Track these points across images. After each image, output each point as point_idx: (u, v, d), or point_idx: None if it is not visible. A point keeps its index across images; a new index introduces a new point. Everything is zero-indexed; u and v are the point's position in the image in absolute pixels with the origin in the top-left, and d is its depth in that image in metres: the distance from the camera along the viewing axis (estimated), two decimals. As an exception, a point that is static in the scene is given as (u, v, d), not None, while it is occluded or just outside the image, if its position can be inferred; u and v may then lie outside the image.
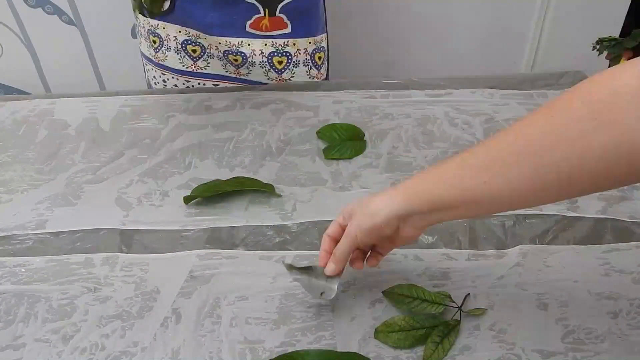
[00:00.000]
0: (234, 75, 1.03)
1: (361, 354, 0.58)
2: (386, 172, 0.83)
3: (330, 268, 0.59)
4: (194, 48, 1.00)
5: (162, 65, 1.05)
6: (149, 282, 0.66)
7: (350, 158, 0.85)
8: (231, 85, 1.04)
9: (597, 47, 0.92)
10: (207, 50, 1.00)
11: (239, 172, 0.83)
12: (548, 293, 0.64)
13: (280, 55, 0.99)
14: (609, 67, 0.90)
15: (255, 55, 0.98)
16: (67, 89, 1.44)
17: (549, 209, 0.75)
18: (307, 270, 0.62)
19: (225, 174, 0.82)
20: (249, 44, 0.97)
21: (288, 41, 0.98)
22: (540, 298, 0.63)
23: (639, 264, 0.67)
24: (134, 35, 1.61)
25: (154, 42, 1.03)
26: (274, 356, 0.58)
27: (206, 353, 0.58)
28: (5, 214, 0.77)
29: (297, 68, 1.02)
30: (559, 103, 0.46)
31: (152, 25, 1.01)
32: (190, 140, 0.90)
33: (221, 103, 0.98)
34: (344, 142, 0.88)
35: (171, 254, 0.70)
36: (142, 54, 1.09)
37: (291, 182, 0.81)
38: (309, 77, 1.05)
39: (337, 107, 0.97)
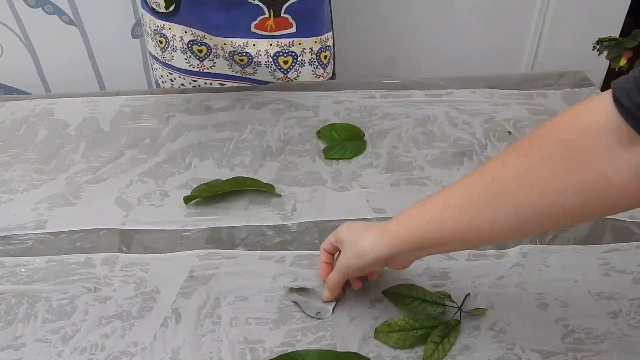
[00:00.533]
0: (240, 75, 1.03)
1: (361, 354, 0.58)
2: (386, 172, 0.83)
3: (326, 295, 0.63)
4: (200, 48, 1.00)
5: (169, 65, 1.05)
6: (149, 282, 0.66)
7: (350, 158, 0.85)
8: (237, 84, 1.04)
9: (597, 47, 0.92)
10: (213, 50, 1.00)
11: (239, 172, 0.83)
12: (548, 293, 0.64)
13: (285, 55, 0.99)
14: (609, 67, 0.90)
15: (260, 55, 0.98)
16: (67, 89, 1.44)
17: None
18: (304, 291, 0.64)
19: (225, 174, 0.82)
20: (254, 45, 0.97)
21: (293, 41, 0.98)
22: (540, 298, 0.63)
23: (639, 264, 0.67)
24: (134, 35, 1.61)
25: (160, 42, 1.03)
26: (274, 356, 0.58)
27: (206, 353, 0.58)
28: (5, 214, 0.77)
29: (303, 67, 1.02)
30: (531, 141, 0.47)
31: (157, 26, 1.01)
32: (190, 140, 0.90)
33: (221, 103, 0.98)
34: (344, 142, 0.88)
35: (171, 254, 0.70)
36: (149, 53, 1.09)
37: (291, 182, 0.81)
38: (315, 77, 1.04)
39: (337, 107, 0.97)
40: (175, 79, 1.06)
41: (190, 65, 1.03)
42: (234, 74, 1.03)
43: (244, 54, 0.98)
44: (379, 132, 0.91)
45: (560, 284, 0.65)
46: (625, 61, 0.88)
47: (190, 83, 1.06)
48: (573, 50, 1.62)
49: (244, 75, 1.03)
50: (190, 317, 0.62)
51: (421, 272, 0.67)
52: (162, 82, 1.10)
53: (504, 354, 0.58)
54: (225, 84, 1.05)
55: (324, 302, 0.63)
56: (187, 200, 0.77)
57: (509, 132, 0.91)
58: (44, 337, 0.60)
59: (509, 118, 0.94)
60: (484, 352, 0.58)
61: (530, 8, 1.63)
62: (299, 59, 1.00)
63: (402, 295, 0.62)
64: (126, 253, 0.70)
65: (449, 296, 0.63)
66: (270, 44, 0.98)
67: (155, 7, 0.99)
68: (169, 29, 1.00)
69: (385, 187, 0.80)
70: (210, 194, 0.77)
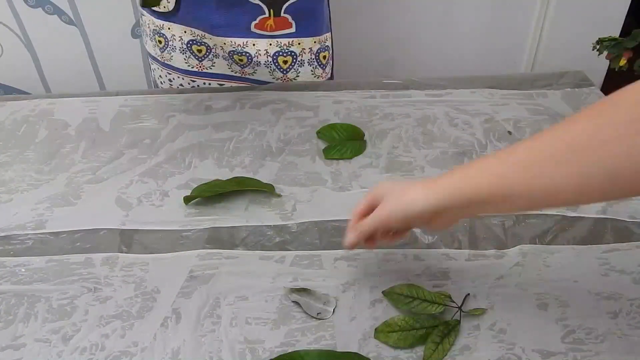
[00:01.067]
0: (240, 75, 1.03)
1: (361, 354, 0.58)
2: (386, 172, 0.83)
3: (350, 239, 0.59)
4: (199, 48, 1.00)
5: (168, 65, 1.05)
6: (149, 282, 0.66)
7: (350, 158, 0.85)
8: (236, 85, 1.04)
9: (597, 47, 0.92)
10: (213, 50, 1.00)
11: (239, 172, 0.83)
12: (548, 293, 0.64)
13: (285, 55, 0.99)
14: (609, 67, 0.90)
15: (260, 55, 0.98)
16: (67, 89, 1.43)
17: (549, 208, 0.75)
18: (305, 291, 0.64)
19: (225, 174, 0.82)
20: (254, 44, 0.97)
21: (293, 41, 0.98)
22: (540, 298, 0.63)
23: (639, 264, 0.67)
24: (134, 35, 1.61)
25: (160, 42, 1.03)
26: (274, 356, 0.58)
27: (206, 353, 0.58)
28: (5, 214, 0.77)
29: (302, 67, 1.02)
30: (604, 106, 0.45)
31: (157, 26, 1.01)
32: (190, 140, 0.90)
33: (221, 103, 0.98)
34: (344, 142, 0.88)
35: (171, 254, 0.70)
36: (148, 54, 1.09)
37: (291, 182, 0.81)
38: (314, 77, 1.04)
39: (337, 107, 0.97)
40: (174, 79, 1.06)
41: (189, 66, 1.03)
42: (233, 74, 1.03)
43: (244, 53, 0.98)
44: (379, 132, 0.91)
45: (560, 284, 0.65)
46: (625, 61, 0.88)
47: (189, 83, 1.06)
48: (573, 50, 1.62)
49: (243, 76, 1.03)
50: (190, 317, 0.62)
51: (421, 272, 0.67)
52: (161, 82, 1.10)
53: (504, 354, 0.58)
54: (224, 84, 1.05)
55: (324, 301, 0.63)
56: (187, 200, 0.77)
57: (509, 132, 0.91)
58: (44, 337, 0.60)
59: (509, 118, 0.94)
60: (484, 352, 0.58)
61: (530, 8, 1.63)
62: (299, 58, 1.00)
63: (402, 295, 0.62)
64: (126, 253, 0.70)
65: (449, 296, 0.63)
66: (270, 44, 0.98)
67: (155, 7, 0.99)
68: (169, 28, 1.00)
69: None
70: (210, 194, 0.77)
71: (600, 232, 0.72)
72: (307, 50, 1.00)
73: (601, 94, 1.01)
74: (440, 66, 1.69)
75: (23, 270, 0.68)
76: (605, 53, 0.92)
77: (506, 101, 0.98)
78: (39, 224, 0.75)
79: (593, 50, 0.93)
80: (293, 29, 0.97)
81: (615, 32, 1.63)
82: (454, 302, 0.62)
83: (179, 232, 0.73)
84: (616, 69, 0.90)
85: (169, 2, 0.96)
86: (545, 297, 0.63)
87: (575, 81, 1.04)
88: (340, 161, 0.85)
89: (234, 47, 0.98)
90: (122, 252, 0.70)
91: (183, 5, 0.95)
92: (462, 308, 0.61)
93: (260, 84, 1.03)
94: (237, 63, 1.01)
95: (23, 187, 0.81)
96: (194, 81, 1.06)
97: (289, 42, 0.98)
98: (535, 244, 0.70)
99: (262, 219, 0.75)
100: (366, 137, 0.89)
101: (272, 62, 0.99)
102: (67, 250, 0.71)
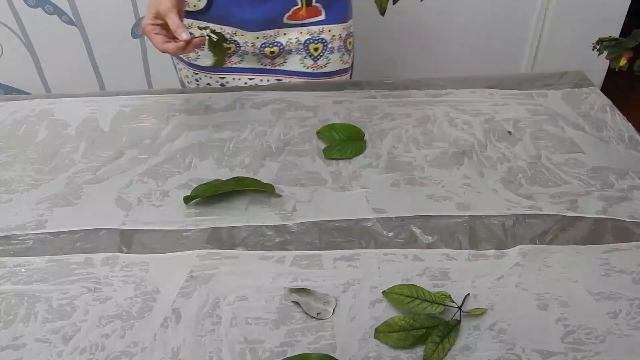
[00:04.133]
0: (269, 67, 1.04)
1: (361, 354, 0.58)
2: (386, 172, 0.83)
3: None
4: (228, 46, 1.00)
5: (194, 64, 1.05)
6: (149, 282, 0.66)
7: (350, 158, 0.85)
8: (265, 77, 1.04)
9: (597, 47, 0.91)
10: (242, 47, 1.01)
11: (239, 172, 0.83)
12: (548, 293, 0.64)
13: (316, 42, 1.00)
14: (609, 67, 0.90)
15: (291, 43, 1.00)
16: (67, 89, 1.43)
17: (549, 208, 0.75)
18: (305, 291, 0.64)
19: (225, 174, 0.82)
20: (285, 34, 0.99)
21: (323, 28, 0.99)
22: (540, 298, 0.63)
23: (639, 264, 0.67)
24: (134, 35, 1.61)
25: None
26: (274, 356, 0.58)
27: (206, 353, 0.58)
28: (5, 214, 0.77)
29: (332, 54, 1.03)
30: None
31: (186, 25, 1.01)
32: (190, 140, 0.90)
33: (221, 103, 0.98)
34: (344, 142, 0.88)
35: (171, 254, 0.70)
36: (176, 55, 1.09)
37: (291, 182, 0.81)
38: (342, 63, 1.06)
39: (337, 107, 0.97)
40: (200, 78, 1.07)
41: None
42: (262, 66, 1.04)
43: (275, 44, 0.99)
44: (379, 132, 0.91)
45: (560, 284, 0.65)
46: (625, 61, 0.88)
47: (217, 81, 1.06)
48: (573, 50, 1.63)
49: (273, 68, 1.04)
50: (190, 317, 0.62)
51: (421, 272, 0.67)
52: (188, 82, 1.10)
53: (504, 354, 0.58)
54: (253, 78, 1.05)
55: (324, 302, 0.63)
56: (187, 200, 0.77)
57: (509, 132, 0.91)
58: (44, 337, 0.60)
59: (509, 118, 0.94)
60: (484, 352, 0.58)
61: (530, 8, 1.63)
62: (329, 45, 1.01)
63: (402, 295, 0.62)
64: (126, 253, 0.70)
65: (449, 296, 0.63)
66: (301, 32, 0.99)
67: (185, 6, 0.98)
68: (198, 27, 1.00)
69: (385, 187, 0.80)
70: (210, 194, 0.77)
71: (600, 232, 0.72)
72: (337, 36, 1.01)
73: (601, 94, 1.01)
74: (440, 66, 1.70)
75: (23, 270, 0.68)
76: (605, 53, 0.92)
77: (506, 101, 0.98)
78: (39, 224, 0.75)
79: (593, 50, 0.93)
80: (323, 17, 0.98)
81: (615, 32, 1.63)
82: (453, 302, 0.62)
83: (179, 232, 0.73)
84: (616, 69, 0.90)
85: (199, 1, 0.96)
86: (545, 297, 0.63)
87: (575, 81, 1.04)
88: (340, 161, 0.85)
89: (265, 39, 0.99)
90: (122, 252, 0.70)
91: (215, 2, 0.95)
92: (462, 308, 0.61)
93: (290, 74, 1.03)
94: (267, 56, 1.01)
95: (23, 187, 0.81)
96: (222, 78, 1.06)
97: (319, 30, 0.99)
98: (535, 244, 0.70)
99: (262, 219, 0.75)
100: (366, 137, 0.89)
101: (303, 50, 1.00)
102: (67, 250, 0.71)
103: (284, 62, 1.02)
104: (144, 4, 1.60)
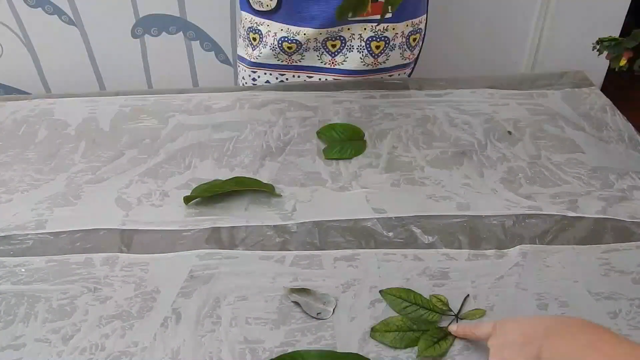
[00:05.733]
0: (329, 66, 1.04)
1: (361, 354, 0.58)
2: (386, 172, 0.83)
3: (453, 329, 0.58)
4: (289, 45, 1.01)
5: (255, 63, 1.05)
6: (149, 282, 0.66)
7: (350, 158, 0.85)
8: (322, 75, 1.05)
9: (597, 47, 0.91)
10: (304, 45, 1.01)
11: (239, 172, 0.83)
12: (548, 293, 0.64)
13: (378, 40, 1.00)
14: (609, 67, 0.90)
15: (354, 39, 1.00)
16: (67, 89, 1.43)
17: (549, 208, 0.75)
18: (305, 291, 0.64)
19: (225, 174, 0.82)
20: (349, 29, 0.99)
21: (388, 26, 0.99)
22: (540, 298, 0.63)
23: (639, 264, 0.67)
24: (134, 35, 1.61)
25: (254, 39, 1.04)
26: (274, 356, 0.58)
27: (206, 353, 0.58)
28: (5, 214, 0.77)
29: (393, 51, 1.03)
30: None
31: (254, 22, 1.02)
32: (190, 140, 0.90)
33: (221, 103, 0.98)
34: (344, 142, 0.88)
35: (171, 254, 0.70)
36: (237, 57, 1.11)
37: (291, 182, 0.81)
38: (402, 59, 1.05)
39: (337, 107, 0.97)
40: (259, 76, 1.07)
41: (278, 60, 1.04)
42: (322, 65, 1.04)
43: (338, 38, 0.99)
44: (379, 132, 0.91)
45: (560, 284, 0.65)
46: (625, 61, 0.88)
47: (277, 78, 1.07)
48: (573, 50, 1.62)
49: (332, 66, 1.04)
50: (190, 317, 0.62)
51: (421, 272, 0.67)
52: (244, 83, 1.11)
53: (504, 354, 0.57)
54: (312, 77, 1.05)
55: (324, 302, 0.63)
56: (187, 200, 0.77)
57: (509, 132, 0.91)
58: (44, 337, 0.60)
59: (509, 118, 0.94)
60: (483, 352, 0.58)
61: (530, 8, 1.63)
62: (391, 43, 1.01)
63: (399, 298, 0.62)
64: (126, 253, 0.70)
65: (446, 302, 0.62)
66: (364, 28, 0.99)
67: (258, 7, 1.00)
68: (267, 25, 1.01)
69: (385, 187, 0.80)
70: (210, 194, 0.77)
71: (600, 232, 0.72)
72: (400, 34, 1.01)
73: (601, 94, 1.01)
74: (440, 66, 1.69)
75: (23, 270, 0.68)
76: (605, 53, 0.92)
77: (506, 101, 0.98)
78: (39, 224, 0.75)
79: (593, 50, 0.93)
80: (390, 14, 0.98)
81: (615, 32, 1.63)
82: (450, 309, 0.62)
83: (179, 232, 0.73)
84: (616, 69, 0.90)
85: (271, 1, 0.97)
86: (545, 297, 0.63)
87: (575, 81, 1.04)
88: (340, 161, 0.85)
89: (328, 34, 0.99)
90: (122, 252, 0.70)
91: (285, 1, 0.96)
92: (460, 312, 0.61)
93: (349, 73, 1.03)
94: (329, 51, 1.02)
95: (23, 187, 0.81)
96: (282, 75, 1.06)
97: (383, 28, 0.99)
98: (535, 244, 0.70)
99: (262, 219, 0.75)
100: (366, 137, 0.89)
101: (364, 47, 1.00)
102: (67, 250, 0.71)
103: (344, 61, 1.03)
104: (144, 4, 1.61)
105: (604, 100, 0.99)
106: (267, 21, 1.00)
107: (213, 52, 1.66)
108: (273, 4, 0.97)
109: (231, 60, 1.68)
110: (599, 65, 1.53)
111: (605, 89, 1.27)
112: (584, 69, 1.07)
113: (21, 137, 0.92)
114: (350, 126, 0.91)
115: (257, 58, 1.04)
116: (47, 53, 1.65)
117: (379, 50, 1.01)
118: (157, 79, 1.74)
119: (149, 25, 1.61)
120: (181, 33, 1.62)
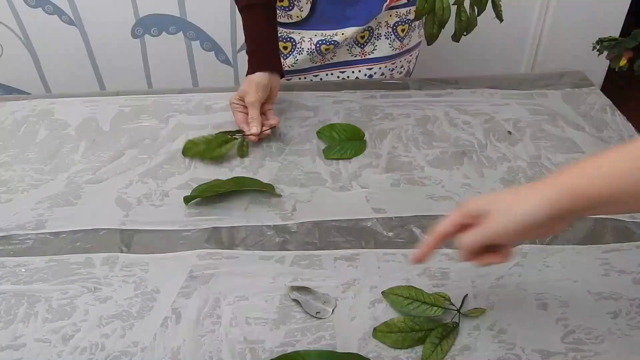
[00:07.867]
0: (359, 57, 1.07)
1: (361, 354, 0.58)
2: (386, 172, 0.83)
3: (461, 255, 0.54)
4: (327, 47, 1.02)
5: (290, 70, 1.07)
6: (149, 282, 0.66)
7: (350, 158, 0.85)
8: (354, 69, 1.06)
9: (597, 47, 0.92)
10: (340, 44, 1.03)
11: (239, 172, 0.83)
12: (548, 293, 0.64)
13: (403, 23, 1.04)
14: (609, 67, 0.90)
15: (381, 27, 1.03)
16: (67, 89, 1.43)
17: None
18: (305, 290, 0.64)
19: (225, 174, 0.82)
20: (375, 18, 1.01)
21: (410, 9, 1.03)
22: (540, 298, 0.63)
23: (639, 264, 0.67)
24: (134, 35, 1.61)
25: (284, 48, 1.05)
26: (274, 356, 0.58)
27: (206, 353, 0.58)
28: (5, 214, 0.77)
29: (414, 32, 1.08)
30: None
31: (284, 32, 1.04)
32: (190, 140, 0.90)
33: (221, 103, 0.98)
34: (344, 142, 0.88)
35: (171, 254, 0.70)
36: None
37: (291, 182, 0.81)
38: (419, 37, 1.11)
39: (337, 107, 0.97)
40: (291, 78, 1.09)
41: (313, 62, 1.06)
42: (353, 58, 1.07)
43: (366, 29, 1.02)
44: (379, 132, 0.91)
45: (560, 284, 0.65)
46: (625, 61, 0.88)
47: (311, 80, 1.09)
48: (573, 50, 1.63)
49: (363, 57, 1.07)
50: (190, 317, 0.62)
51: (421, 272, 0.67)
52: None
53: (504, 354, 0.57)
54: (345, 71, 1.08)
55: (324, 301, 0.63)
56: (187, 200, 0.77)
57: (509, 132, 0.91)
58: (44, 337, 0.60)
59: (509, 118, 0.94)
60: (483, 352, 0.58)
61: (530, 8, 1.63)
62: (412, 24, 1.06)
63: (401, 296, 0.62)
64: (126, 253, 0.70)
65: (448, 298, 0.63)
66: (390, 15, 1.02)
67: (286, 19, 1.01)
68: (299, 33, 1.03)
69: (385, 187, 0.80)
70: (210, 194, 0.77)
71: (600, 232, 0.72)
72: None
73: (601, 94, 1.01)
74: (440, 66, 1.69)
75: (23, 270, 0.68)
76: (605, 53, 0.92)
77: (506, 101, 0.98)
78: (39, 224, 0.75)
79: (593, 50, 0.93)
80: None
81: (615, 32, 1.63)
82: (452, 304, 0.62)
83: (179, 232, 0.73)
84: (616, 69, 0.90)
85: (301, 11, 0.99)
86: (545, 297, 0.63)
87: (575, 81, 1.04)
88: (340, 161, 0.85)
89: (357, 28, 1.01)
90: (122, 252, 0.70)
91: (318, 9, 0.98)
92: (462, 309, 0.61)
93: (380, 61, 1.07)
94: (358, 42, 1.04)
95: (23, 187, 0.81)
96: (316, 76, 1.08)
97: (406, 11, 1.03)
98: (535, 244, 0.70)
99: (262, 219, 0.75)
100: (366, 137, 0.89)
101: (391, 33, 1.04)
102: (67, 250, 0.71)
103: (374, 50, 1.06)
104: (144, 4, 1.61)
105: (604, 100, 0.99)
106: (297, 30, 1.02)
107: (213, 52, 1.66)
108: (304, 14, 0.98)
109: (231, 60, 1.68)
110: (599, 65, 1.53)
111: (605, 89, 1.27)
112: (584, 69, 1.07)
113: (21, 137, 0.92)
114: (350, 126, 0.91)
115: (292, 66, 1.06)
116: (47, 53, 1.65)
117: (404, 33, 1.06)
118: (157, 79, 1.74)
119: (149, 25, 1.61)
120: (181, 33, 1.62)
